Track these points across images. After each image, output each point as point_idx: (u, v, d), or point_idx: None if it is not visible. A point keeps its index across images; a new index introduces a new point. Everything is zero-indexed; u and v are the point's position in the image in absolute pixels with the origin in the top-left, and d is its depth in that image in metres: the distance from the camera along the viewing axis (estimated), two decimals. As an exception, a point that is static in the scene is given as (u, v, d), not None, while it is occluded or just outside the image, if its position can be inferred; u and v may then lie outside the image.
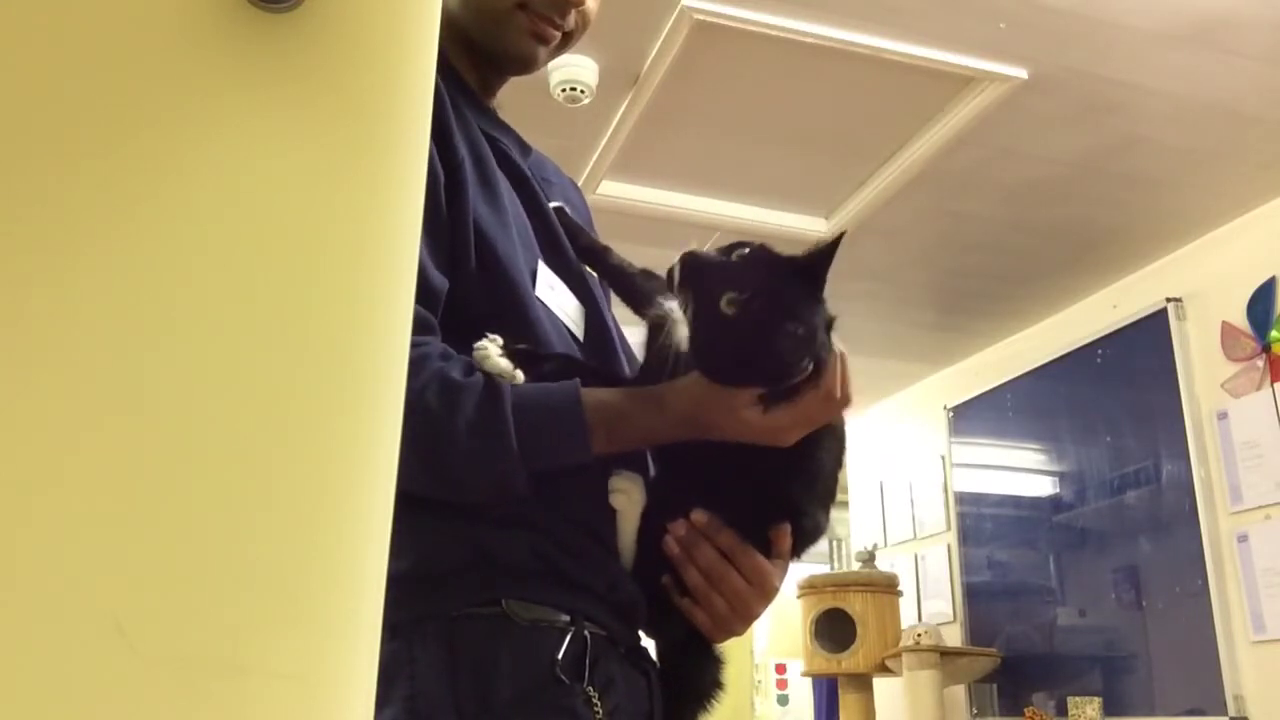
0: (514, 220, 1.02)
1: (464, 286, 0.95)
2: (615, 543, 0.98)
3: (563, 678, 0.88)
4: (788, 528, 1.01)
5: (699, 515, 0.98)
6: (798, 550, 1.03)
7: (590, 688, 0.89)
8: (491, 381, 0.89)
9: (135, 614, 0.44)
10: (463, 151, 0.98)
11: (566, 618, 0.91)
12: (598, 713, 0.88)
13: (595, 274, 1.16)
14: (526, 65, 1.10)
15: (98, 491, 0.45)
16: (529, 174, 1.10)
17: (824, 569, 5.21)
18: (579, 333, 1.05)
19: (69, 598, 0.43)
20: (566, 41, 1.11)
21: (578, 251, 1.12)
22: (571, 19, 1.09)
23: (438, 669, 0.86)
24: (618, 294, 1.14)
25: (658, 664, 1.03)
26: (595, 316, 1.09)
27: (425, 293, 0.91)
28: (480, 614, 0.89)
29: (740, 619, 0.99)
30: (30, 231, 0.47)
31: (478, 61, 1.10)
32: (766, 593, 1.00)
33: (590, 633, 0.92)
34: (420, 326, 0.89)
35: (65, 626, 0.43)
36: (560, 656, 0.89)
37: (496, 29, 1.07)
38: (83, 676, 0.43)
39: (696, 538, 0.98)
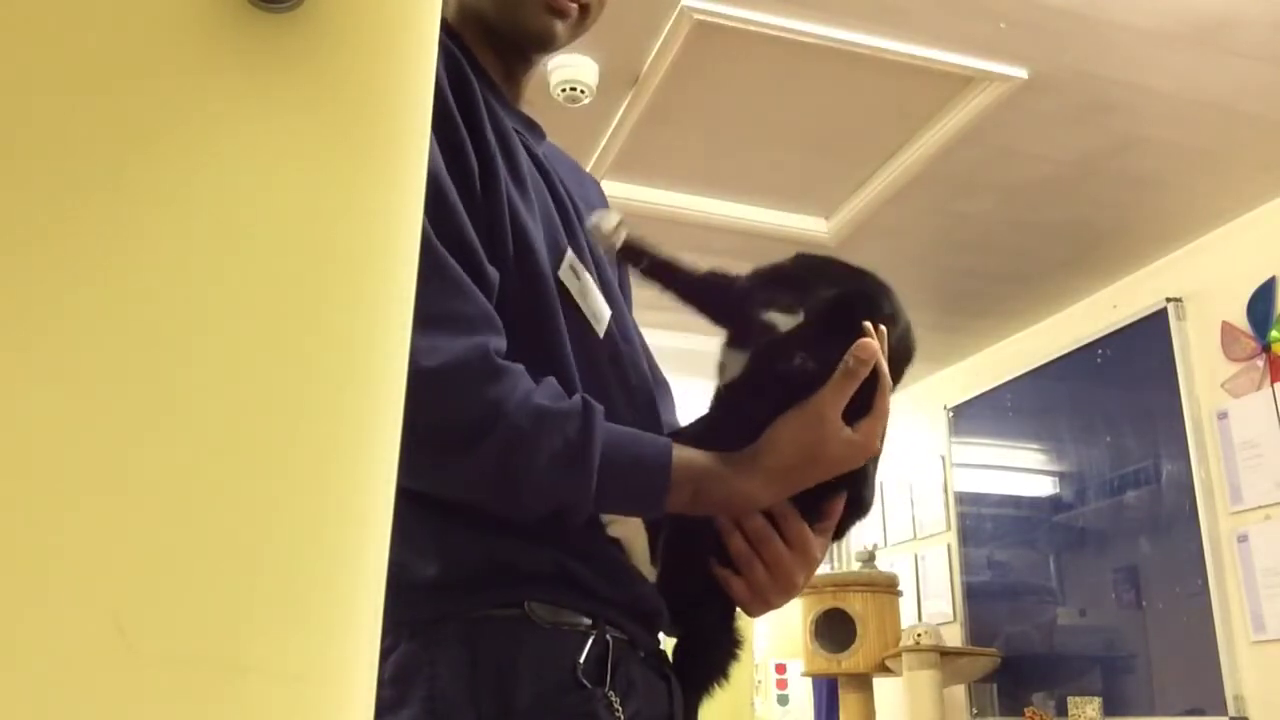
0: (542, 216, 1.02)
1: (501, 278, 0.94)
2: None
3: (584, 681, 0.88)
4: (844, 495, 1.00)
5: None
6: (843, 528, 1.03)
7: (611, 692, 0.89)
8: (588, 414, 0.88)
9: (135, 614, 0.44)
10: (494, 144, 0.98)
11: (588, 621, 0.91)
12: (618, 717, 0.88)
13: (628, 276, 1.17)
14: (546, 43, 1.09)
15: (97, 490, 0.45)
16: (550, 168, 1.10)
17: (824, 569, 5.21)
18: (600, 329, 1.05)
19: (69, 597, 0.43)
20: (585, 16, 1.09)
21: (647, 268, 1.09)
22: None
23: (457, 670, 0.85)
24: (698, 309, 1.08)
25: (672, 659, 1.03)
26: (620, 317, 1.08)
27: (486, 288, 0.90)
28: (501, 615, 0.88)
29: (779, 589, 0.99)
30: (27, 231, 0.47)
31: (501, 50, 1.10)
32: (808, 561, 0.99)
33: (612, 636, 0.91)
34: (486, 326, 0.87)
35: (65, 626, 0.43)
36: (582, 660, 0.88)
37: (513, 8, 1.06)
38: (83, 676, 0.43)
39: None
